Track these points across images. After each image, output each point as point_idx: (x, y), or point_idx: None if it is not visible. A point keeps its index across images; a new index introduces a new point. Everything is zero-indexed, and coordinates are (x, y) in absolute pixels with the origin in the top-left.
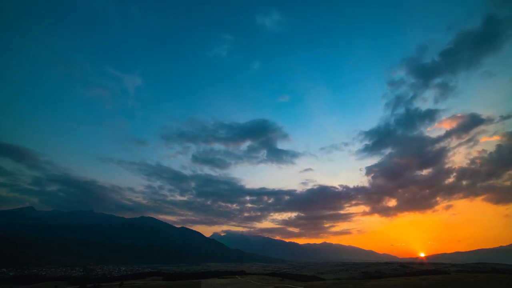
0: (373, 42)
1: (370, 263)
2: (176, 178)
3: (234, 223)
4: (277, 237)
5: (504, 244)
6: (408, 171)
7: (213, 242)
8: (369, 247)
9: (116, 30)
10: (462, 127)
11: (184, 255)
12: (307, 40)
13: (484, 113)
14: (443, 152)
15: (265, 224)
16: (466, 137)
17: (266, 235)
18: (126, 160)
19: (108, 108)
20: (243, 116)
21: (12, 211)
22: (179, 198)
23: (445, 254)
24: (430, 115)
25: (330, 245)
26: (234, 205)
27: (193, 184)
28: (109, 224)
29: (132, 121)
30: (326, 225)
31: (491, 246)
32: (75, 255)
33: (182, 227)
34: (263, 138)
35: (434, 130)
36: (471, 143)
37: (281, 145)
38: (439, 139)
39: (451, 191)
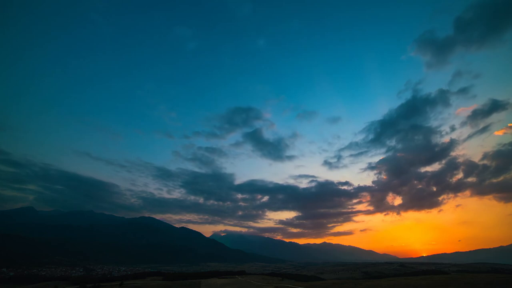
0: (376, 17)
1: (370, 263)
2: (162, 176)
3: (230, 222)
4: (277, 237)
5: (504, 244)
6: (413, 167)
7: (213, 242)
8: (369, 247)
9: (79, 17)
10: (479, 115)
11: (184, 255)
12: (289, 16)
13: (505, 98)
14: (452, 145)
15: (265, 223)
16: (481, 125)
17: (266, 235)
18: (104, 155)
19: (76, 96)
20: (224, 105)
21: (12, 211)
22: (168, 196)
23: (445, 254)
24: (442, 102)
25: (330, 245)
26: (228, 203)
27: (180, 182)
28: (109, 224)
29: (105, 112)
30: (329, 225)
31: (491, 246)
32: (75, 255)
33: (182, 227)
34: (248, 129)
35: (445, 118)
36: (484, 134)
37: (268, 136)
38: (451, 130)
39: (458, 189)
